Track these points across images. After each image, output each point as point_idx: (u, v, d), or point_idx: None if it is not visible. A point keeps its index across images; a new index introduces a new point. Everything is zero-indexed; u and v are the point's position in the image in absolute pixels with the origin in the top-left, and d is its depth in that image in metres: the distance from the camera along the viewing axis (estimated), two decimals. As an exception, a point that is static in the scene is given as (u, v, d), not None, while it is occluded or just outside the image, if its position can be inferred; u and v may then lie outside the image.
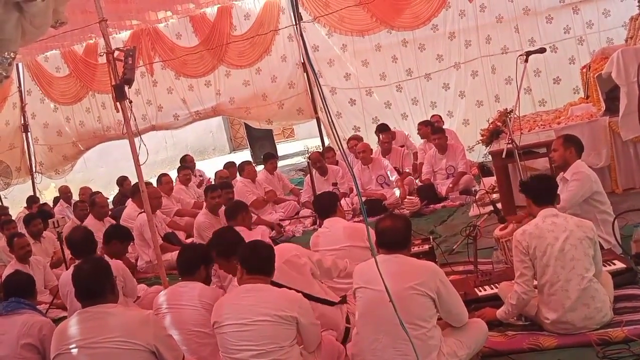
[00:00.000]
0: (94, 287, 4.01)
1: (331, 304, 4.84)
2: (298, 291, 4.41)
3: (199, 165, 14.02)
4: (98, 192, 10.94)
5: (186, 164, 12.25)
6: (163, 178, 10.50)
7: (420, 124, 10.79)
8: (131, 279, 6.17)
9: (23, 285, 5.08)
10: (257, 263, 4.13)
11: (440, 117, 11.13)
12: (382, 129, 11.00)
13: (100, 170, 17.83)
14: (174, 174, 11.43)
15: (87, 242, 6.18)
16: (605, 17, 10.28)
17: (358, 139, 11.18)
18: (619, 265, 5.07)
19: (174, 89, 13.73)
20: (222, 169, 11.79)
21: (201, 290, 4.70)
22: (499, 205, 7.03)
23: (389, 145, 10.48)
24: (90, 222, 9.21)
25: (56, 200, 12.63)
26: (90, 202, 10.09)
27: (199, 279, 4.82)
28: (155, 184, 10.53)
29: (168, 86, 13.74)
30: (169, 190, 10.38)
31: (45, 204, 12.11)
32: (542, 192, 4.76)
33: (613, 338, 4.25)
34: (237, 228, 6.20)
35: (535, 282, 4.54)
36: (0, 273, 8.83)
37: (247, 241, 4.66)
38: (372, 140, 10.92)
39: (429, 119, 10.99)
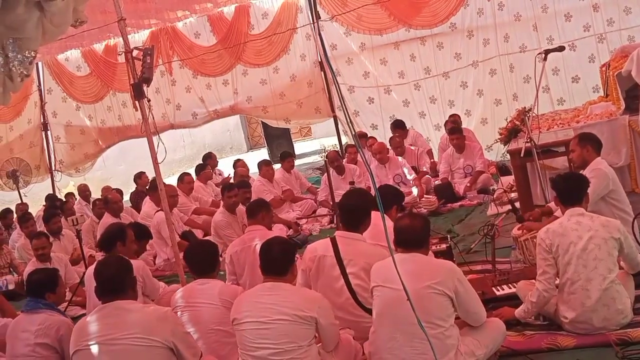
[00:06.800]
0: (116, 283, 4.06)
1: None
2: None
3: (216, 163, 14.05)
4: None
5: (208, 162, 12.43)
6: (185, 177, 10.56)
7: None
8: (151, 279, 6.13)
9: (43, 282, 5.10)
10: (269, 264, 4.14)
11: (458, 116, 11.05)
12: (396, 125, 10.97)
13: (119, 168, 17.93)
14: (192, 172, 11.50)
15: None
16: (626, 14, 10.16)
17: (363, 135, 11.24)
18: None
19: (192, 88, 13.82)
20: (240, 166, 11.86)
21: (221, 288, 4.72)
22: (517, 205, 6.99)
23: (401, 150, 10.43)
24: (107, 219, 9.33)
25: (66, 198, 12.64)
26: (104, 200, 10.20)
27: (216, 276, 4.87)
28: (171, 182, 10.59)
29: (186, 85, 13.84)
30: (190, 189, 10.44)
31: (67, 202, 12.18)
32: (568, 192, 4.71)
33: (633, 338, 4.22)
34: (255, 227, 6.24)
35: (557, 281, 4.51)
36: (21, 270, 8.96)
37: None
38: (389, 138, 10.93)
39: (447, 118, 10.95)
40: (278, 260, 4.13)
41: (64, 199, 12.44)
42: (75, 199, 12.64)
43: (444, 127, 11.08)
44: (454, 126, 10.18)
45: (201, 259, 4.93)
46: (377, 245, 4.75)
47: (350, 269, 4.63)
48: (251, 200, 8.00)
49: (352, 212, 4.86)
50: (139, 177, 12.59)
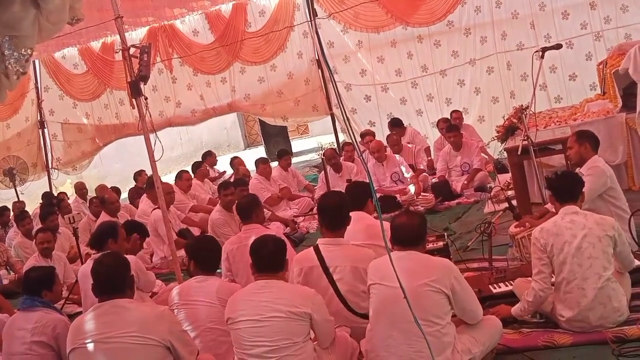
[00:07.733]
0: (114, 281, 4.05)
1: None
2: None
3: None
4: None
5: (208, 159, 12.46)
6: (184, 175, 10.55)
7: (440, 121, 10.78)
8: (145, 272, 6.12)
9: (40, 280, 5.08)
10: (261, 262, 4.13)
11: (460, 113, 10.99)
12: (393, 124, 10.96)
13: (116, 166, 17.91)
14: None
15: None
16: (623, 12, 10.18)
17: (370, 133, 11.18)
18: (635, 262, 5.02)
19: (193, 86, 13.83)
20: (240, 164, 11.87)
21: (219, 287, 4.69)
22: (514, 202, 7.00)
23: (398, 148, 10.42)
24: (104, 218, 9.30)
25: (59, 196, 12.59)
26: (101, 199, 10.20)
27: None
28: (168, 180, 10.59)
29: (187, 82, 13.86)
30: (188, 187, 10.42)
31: (63, 199, 12.18)
32: (563, 189, 4.70)
33: (629, 336, 4.23)
34: (252, 225, 6.23)
35: (553, 279, 4.52)
36: (18, 268, 8.96)
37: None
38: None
39: (447, 116, 10.91)
40: (270, 258, 4.12)
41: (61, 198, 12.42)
42: (68, 197, 12.61)
43: (436, 126, 11.05)
44: (448, 124, 10.17)
45: (208, 255, 4.93)
46: (363, 247, 4.76)
47: (337, 275, 4.59)
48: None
49: (334, 213, 4.80)
50: (139, 174, 12.59)
